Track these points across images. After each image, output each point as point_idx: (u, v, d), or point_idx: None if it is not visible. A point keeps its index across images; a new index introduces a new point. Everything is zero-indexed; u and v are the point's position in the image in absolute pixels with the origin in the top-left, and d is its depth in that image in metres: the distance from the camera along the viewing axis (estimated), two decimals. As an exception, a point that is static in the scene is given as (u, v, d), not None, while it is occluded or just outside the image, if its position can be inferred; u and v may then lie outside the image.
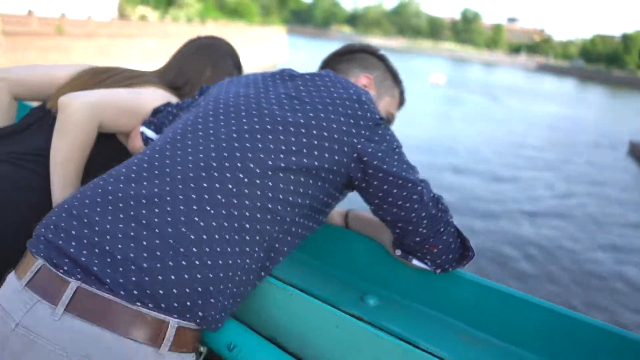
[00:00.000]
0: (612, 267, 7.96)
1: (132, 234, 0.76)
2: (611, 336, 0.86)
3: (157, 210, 0.78)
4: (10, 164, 1.13)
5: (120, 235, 0.75)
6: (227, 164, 0.83)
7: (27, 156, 1.16)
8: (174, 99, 1.25)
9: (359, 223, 1.16)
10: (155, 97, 1.20)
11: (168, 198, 0.79)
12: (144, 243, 0.75)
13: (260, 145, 0.85)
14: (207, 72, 1.40)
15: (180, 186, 0.81)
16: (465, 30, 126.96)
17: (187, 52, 1.43)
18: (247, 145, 0.85)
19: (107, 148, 1.19)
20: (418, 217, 0.91)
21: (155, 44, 22.76)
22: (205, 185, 0.81)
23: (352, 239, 1.15)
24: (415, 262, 0.99)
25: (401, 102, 1.23)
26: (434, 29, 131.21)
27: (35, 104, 1.36)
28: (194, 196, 0.80)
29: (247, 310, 0.90)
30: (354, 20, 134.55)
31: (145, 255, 0.74)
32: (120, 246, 0.74)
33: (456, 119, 20.27)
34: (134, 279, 0.72)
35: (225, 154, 0.84)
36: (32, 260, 0.77)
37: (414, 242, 0.94)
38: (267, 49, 37.96)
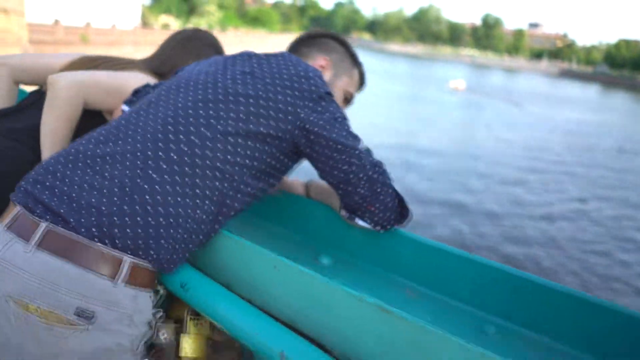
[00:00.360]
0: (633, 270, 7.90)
1: (95, 184, 0.88)
2: (539, 289, 0.94)
3: (118, 166, 0.90)
4: (7, 139, 1.27)
5: (85, 186, 0.88)
6: (182, 129, 0.95)
7: (24, 133, 1.30)
8: (153, 82, 1.37)
9: (317, 192, 1.26)
10: (137, 79, 1.33)
11: (128, 156, 0.91)
12: (105, 192, 0.87)
13: (212, 113, 0.97)
14: (190, 61, 1.52)
15: (139, 146, 0.93)
16: (486, 36, 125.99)
17: (172, 43, 1.56)
18: (201, 112, 0.97)
19: (93, 124, 1.32)
20: (357, 178, 1.01)
21: None
22: (161, 145, 0.93)
23: (310, 206, 1.25)
24: (358, 221, 1.09)
25: (361, 82, 1.34)
26: (454, 35, 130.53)
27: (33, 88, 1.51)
28: (150, 154, 0.91)
29: (203, 258, 1.02)
30: (373, 27, 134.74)
31: (104, 201, 0.86)
32: (84, 194, 0.87)
33: (477, 125, 20.19)
34: (94, 220, 0.84)
35: (181, 120, 0.96)
36: (13, 208, 0.89)
37: (355, 201, 1.05)
38: None
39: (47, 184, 0.89)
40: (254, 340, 0.82)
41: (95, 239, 0.84)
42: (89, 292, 0.83)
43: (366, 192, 1.03)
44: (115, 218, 0.85)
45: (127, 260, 0.85)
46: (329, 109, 1.02)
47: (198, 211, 0.92)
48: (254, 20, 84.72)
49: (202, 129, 0.95)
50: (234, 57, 1.12)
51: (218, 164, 0.94)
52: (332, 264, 1.15)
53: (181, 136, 0.94)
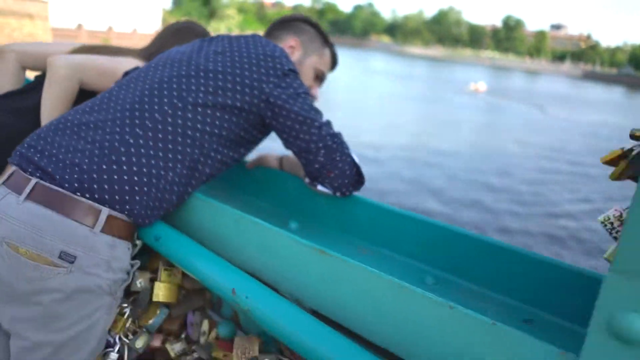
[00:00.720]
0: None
1: (79, 147, 1.01)
2: (473, 242, 1.04)
3: (99, 131, 1.03)
4: (13, 115, 1.42)
5: (70, 148, 1.01)
6: (156, 100, 1.07)
7: (28, 111, 1.44)
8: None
9: (289, 165, 1.38)
10: (129, 63, 1.46)
11: (109, 123, 1.04)
12: (87, 153, 1.00)
13: (184, 87, 1.09)
14: None
15: (118, 115, 1.06)
16: (507, 38, 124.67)
17: (166, 33, 1.70)
18: (174, 86, 1.09)
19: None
20: (316, 148, 1.13)
21: None
22: (137, 114, 1.05)
23: (283, 178, 1.37)
24: (319, 187, 1.20)
25: (333, 62, 1.45)
26: (474, 37, 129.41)
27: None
28: (127, 122, 1.04)
29: (176, 217, 1.14)
30: (393, 29, 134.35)
31: (86, 161, 0.99)
32: (69, 155, 1.00)
33: (498, 127, 20.04)
34: (76, 177, 0.97)
35: (156, 92, 1.09)
36: (9, 168, 1.03)
37: (315, 169, 1.16)
38: None
39: (39, 147, 1.03)
40: (212, 282, 0.94)
41: (77, 193, 0.97)
42: (71, 238, 0.96)
43: (325, 160, 1.14)
44: (94, 175, 0.98)
45: (105, 211, 0.98)
46: (293, 85, 1.14)
47: (170, 173, 1.05)
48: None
49: (175, 100, 1.07)
50: (211, 39, 1.25)
51: (189, 131, 1.07)
52: (299, 228, 1.27)
53: (155, 106, 1.07)
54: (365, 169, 1.21)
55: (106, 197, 0.98)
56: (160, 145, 1.04)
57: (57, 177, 0.97)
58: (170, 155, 1.05)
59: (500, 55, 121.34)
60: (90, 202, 0.97)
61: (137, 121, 1.05)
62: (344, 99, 20.35)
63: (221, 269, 0.94)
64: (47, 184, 0.97)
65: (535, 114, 25.91)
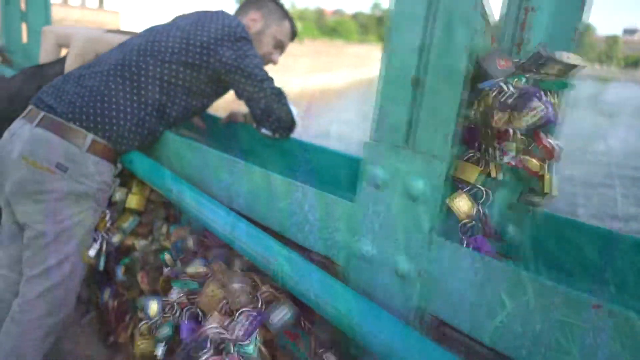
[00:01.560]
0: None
1: (76, 91, 1.39)
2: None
3: (91, 80, 1.41)
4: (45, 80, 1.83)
5: (71, 92, 1.39)
6: (134, 57, 1.43)
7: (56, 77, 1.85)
8: None
9: (250, 118, 1.71)
10: (133, 39, 1.84)
11: (98, 74, 1.42)
12: (80, 94, 1.38)
13: (156, 48, 1.45)
14: None
15: (106, 68, 1.43)
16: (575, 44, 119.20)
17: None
18: (148, 47, 1.45)
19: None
20: (258, 97, 1.45)
21: None
22: (119, 68, 1.42)
23: (243, 128, 1.70)
24: (262, 130, 1.52)
25: (292, 32, 1.75)
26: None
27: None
28: (112, 73, 1.41)
29: (149, 149, 1.49)
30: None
31: (79, 100, 1.36)
32: (69, 96, 1.38)
33: (569, 136, 19.29)
34: (71, 110, 1.35)
35: (135, 52, 1.45)
36: (29, 107, 1.42)
37: (258, 114, 1.48)
38: (363, 64, 38.64)
39: (50, 91, 1.42)
40: (170, 194, 1.27)
41: (71, 122, 1.34)
42: (65, 154, 1.33)
43: (266, 107, 1.46)
44: (84, 109, 1.35)
45: (90, 136, 1.34)
46: (243, 48, 1.47)
47: (142, 112, 1.40)
48: (332, 30, 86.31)
49: (148, 57, 1.43)
50: (187, 15, 1.60)
51: (157, 82, 1.42)
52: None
53: (133, 62, 1.43)
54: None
55: (92, 125, 1.35)
56: (134, 91, 1.40)
57: (59, 110, 1.35)
58: (143, 100, 1.40)
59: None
60: (80, 129, 1.34)
61: (119, 73, 1.41)
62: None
63: (177, 183, 1.27)
64: (52, 116, 1.35)
65: (607, 123, 24.82)
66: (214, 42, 1.45)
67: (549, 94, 0.80)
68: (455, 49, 0.73)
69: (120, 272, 1.45)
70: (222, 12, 1.56)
